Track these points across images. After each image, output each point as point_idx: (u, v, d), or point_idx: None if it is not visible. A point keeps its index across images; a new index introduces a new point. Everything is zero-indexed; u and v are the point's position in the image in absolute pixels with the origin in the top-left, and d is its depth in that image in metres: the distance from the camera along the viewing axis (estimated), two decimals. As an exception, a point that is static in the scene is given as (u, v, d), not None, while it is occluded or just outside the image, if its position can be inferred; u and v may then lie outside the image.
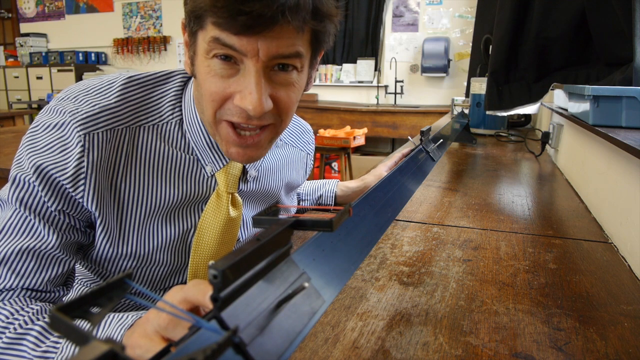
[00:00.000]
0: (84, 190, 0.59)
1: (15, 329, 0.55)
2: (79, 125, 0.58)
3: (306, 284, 0.33)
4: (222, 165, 0.68)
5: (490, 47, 1.89)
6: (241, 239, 0.77)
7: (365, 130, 3.95)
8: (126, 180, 0.63)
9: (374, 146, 5.17)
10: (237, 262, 0.26)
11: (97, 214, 0.61)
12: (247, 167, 0.72)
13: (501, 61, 1.75)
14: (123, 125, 0.61)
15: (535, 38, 1.58)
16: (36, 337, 0.54)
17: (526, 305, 0.59)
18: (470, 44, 3.64)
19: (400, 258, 0.74)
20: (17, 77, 6.28)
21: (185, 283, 0.73)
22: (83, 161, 0.58)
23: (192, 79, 0.66)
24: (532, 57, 1.62)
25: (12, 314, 0.56)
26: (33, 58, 6.29)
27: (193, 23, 0.54)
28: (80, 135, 0.58)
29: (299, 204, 1.06)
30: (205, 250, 0.71)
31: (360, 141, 3.81)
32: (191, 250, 0.70)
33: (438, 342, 0.51)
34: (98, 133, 0.59)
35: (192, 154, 0.67)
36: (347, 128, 4.02)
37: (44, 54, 6.29)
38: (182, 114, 0.66)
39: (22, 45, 6.37)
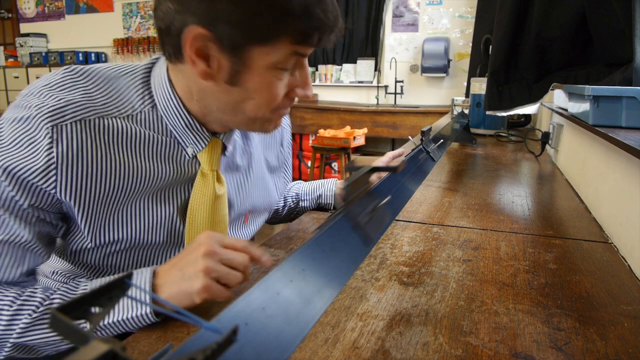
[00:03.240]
0: (56, 181, 0.59)
1: (33, 310, 0.58)
2: (46, 118, 0.58)
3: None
4: (203, 146, 0.69)
5: (490, 47, 1.89)
6: (229, 218, 0.78)
7: (365, 130, 3.95)
8: (106, 165, 0.63)
9: (374, 146, 5.17)
10: (355, 180, 0.47)
11: (73, 204, 0.61)
12: (223, 140, 0.73)
13: (501, 61, 1.75)
14: (92, 116, 0.61)
15: (535, 38, 1.58)
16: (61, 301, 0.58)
17: (526, 305, 0.59)
18: (470, 44, 3.64)
19: (400, 258, 0.74)
20: (17, 77, 6.28)
21: None
22: (52, 152, 0.58)
23: (160, 69, 0.67)
24: (532, 57, 1.62)
25: (15, 297, 0.58)
26: (33, 58, 6.29)
27: (248, 35, 0.56)
28: (48, 128, 0.58)
29: (298, 204, 1.06)
30: (199, 230, 0.72)
31: (360, 141, 3.81)
32: (185, 231, 0.71)
33: (438, 342, 0.51)
34: (66, 125, 0.59)
35: (171, 137, 0.68)
36: (347, 128, 4.02)
37: (44, 54, 6.29)
38: (153, 101, 0.66)
39: (22, 46, 6.37)
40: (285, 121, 0.92)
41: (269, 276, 0.33)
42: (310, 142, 4.65)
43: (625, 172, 0.80)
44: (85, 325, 0.21)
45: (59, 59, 6.18)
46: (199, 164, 0.70)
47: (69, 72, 0.65)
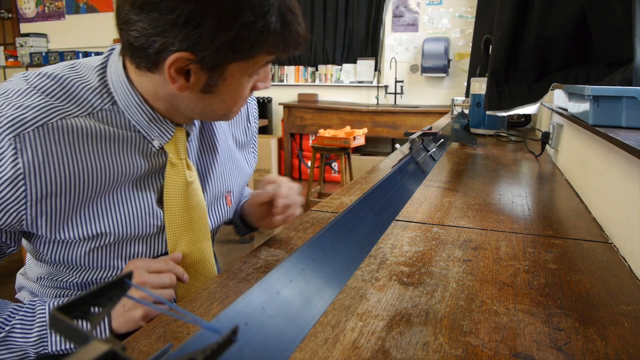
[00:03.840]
0: (25, 191, 0.59)
1: None
2: (7, 129, 0.58)
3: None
4: (169, 138, 0.70)
5: (490, 47, 1.89)
6: (210, 213, 0.80)
7: (365, 130, 3.95)
8: (73, 166, 0.63)
9: (374, 146, 5.17)
10: (415, 138, 0.87)
11: (41, 213, 0.61)
12: (186, 128, 0.73)
13: (501, 61, 1.75)
14: (54, 119, 0.61)
15: (535, 38, 1.57)
16: (21, 327, 0.61)
17: (526, 305, 0.59)
18: (470, 44, 3.64)
19: (400, 258, 0.74)
20: (17, 77, 6.28)
21: (164, 254, 0.75)
22: (18, 163, 0.58)
23: (115, 66, 0.66)
24: (532, 57, 1.62)
25: None
26: (33, 58, 6.29)
27: (231, 56, 0.59)
28: (10, 138, 0.57)
29: None
30: (178, 217, 0.73)
31: (360, 141, 3.81)
32: (165, 220, 0.72)
33: (438, 342, 0.51)
34: (29, 132, 0.59)
35: (135, 132, 0.68)
36: (347, 128, 4.02)
37: (44, 54, 6.29)
38: (112, 99, 0.66)
39: (22, 46, 6.37)
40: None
41: (269, 276, 0.33)
42: (310, 142, 4.64)
43: (625, 172, 0.80)
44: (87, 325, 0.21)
45: (59, 59, 6.18)
46: (167, 154, 0.71)
47: (25, 77, 0.65)
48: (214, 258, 0.82)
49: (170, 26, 0.55)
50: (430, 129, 1.02)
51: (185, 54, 0.57)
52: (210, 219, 0.80)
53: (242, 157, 0.90)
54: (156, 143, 0.69)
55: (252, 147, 0.96)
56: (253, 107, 0.93)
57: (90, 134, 0.64)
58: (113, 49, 0.68)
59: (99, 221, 0.67)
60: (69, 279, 0.75)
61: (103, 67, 0.68)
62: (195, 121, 0.76)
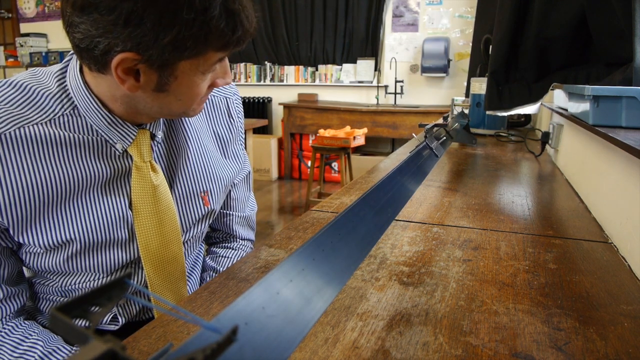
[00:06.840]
0: None
1: None
2: None
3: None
4: (131, 140, 0.69)
5: (490, 47, 1.89)
6: (180, 212, 0.78)
7: (365, 130, 3.95)
8: (33, 174, 0.63)
9: (374, 146, 5.17)
10: (430, 127, 1.04)
11: (4, 220, 0.62)
12: (151, 130, 0.73)
13: (501, 61, 1.75)
14: (11, 129, 0.61)
15: (535, 38, 1.57)
16: None
17: (526, 305, 0.59)
18: (470, 44, 3.64)
19: (400, 258, 0.74)
20: (17, 77, 6.28)
21: (137, 258, 0.74)
22: None
23: (73, 71, 0.66)
24: (532, 57, 1.62)
25: None
26: (33, 58, 6.29)
27: (177, 54, 0.58)
28: None
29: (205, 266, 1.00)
30: (147, 220, 0.72)
31: (360, 141, 3.81)
32: (135, 224, 0.71)
33: (438, 342, 0.51)
34: None
35: (98, 136, 0.68)
36: (347, 128, 4.02)
37: (44, 54, 6.29)
38: (72, 104, 0.66)
39: (22, 45, 6.37)
40: (232, 90, 0.89)
41: (269, 276, 0.33)
42: (310, 142, 4.65)
43: (625, 172, 0.80)
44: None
45: (59, 58, 6.18)
46: (132, 157, 0.71)
47: None
48: (184, 258, 0.80)
49: (111, 26, 0.54)
50: (433, 127, 1.03)
51: (130, 54, 0.56)
52: (183, 220, 0.79)
53: (223, 155, 0.87)
54: (119, 146, 0.69)
55: (240, 144, 0.93)
56: (234, 102, 0.89)
57: (50, 141, 0.64)
58: (74, 53, 0.67)
59: (64, 228, 0.66)
60: (50, 283, 0.76)
61: (63, 73, 0.67)
62: (162, 121, 0.75)
